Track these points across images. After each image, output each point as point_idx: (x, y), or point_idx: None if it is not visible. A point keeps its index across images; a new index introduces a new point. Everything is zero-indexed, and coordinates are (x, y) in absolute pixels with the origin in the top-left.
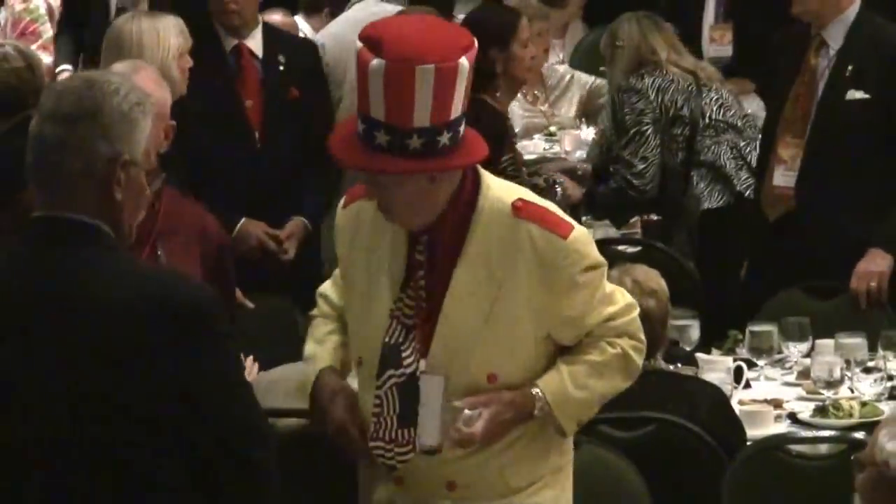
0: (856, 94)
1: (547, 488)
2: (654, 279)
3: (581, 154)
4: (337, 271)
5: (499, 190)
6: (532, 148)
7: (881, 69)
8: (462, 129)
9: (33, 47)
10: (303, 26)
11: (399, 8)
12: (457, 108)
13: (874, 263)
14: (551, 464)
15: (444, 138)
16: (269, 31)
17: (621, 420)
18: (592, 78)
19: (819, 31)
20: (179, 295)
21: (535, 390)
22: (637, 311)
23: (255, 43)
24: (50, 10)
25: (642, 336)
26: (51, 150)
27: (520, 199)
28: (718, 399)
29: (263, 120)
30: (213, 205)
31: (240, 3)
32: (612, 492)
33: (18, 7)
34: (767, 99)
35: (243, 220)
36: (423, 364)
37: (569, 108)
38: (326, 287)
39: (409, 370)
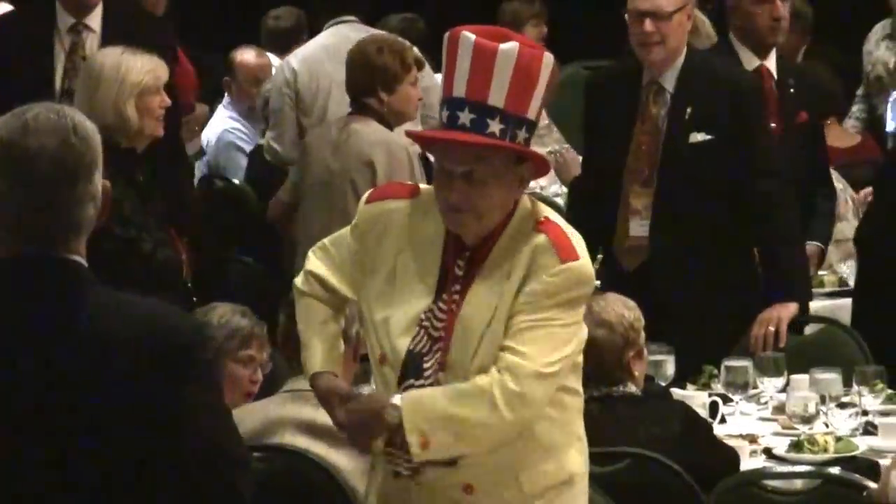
0: (698, 137)
1: (562, 497)
2: (613, 311)
3: (556, 189)
4: (327, 244)
5: (532, 205)
6: None
7: (721, 108)
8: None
9: None
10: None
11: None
12: (534, 109)
13: (776, 310)
14: (567, 471)
15: (521, 135)
16: None
17: (595, 455)
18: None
19: (657, 77)
20: (170, 327)
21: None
22: (547, 385)
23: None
24: None
25: (528, 389)
26: (51, 209)
27: (546, 217)
28: (688, 415)
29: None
30: None
31: None
32: None
33: None
34: (595, 143)
35: None
36: (441, 377)
37: (541, 150)
38: (316, 266)
39: (428, 381)
